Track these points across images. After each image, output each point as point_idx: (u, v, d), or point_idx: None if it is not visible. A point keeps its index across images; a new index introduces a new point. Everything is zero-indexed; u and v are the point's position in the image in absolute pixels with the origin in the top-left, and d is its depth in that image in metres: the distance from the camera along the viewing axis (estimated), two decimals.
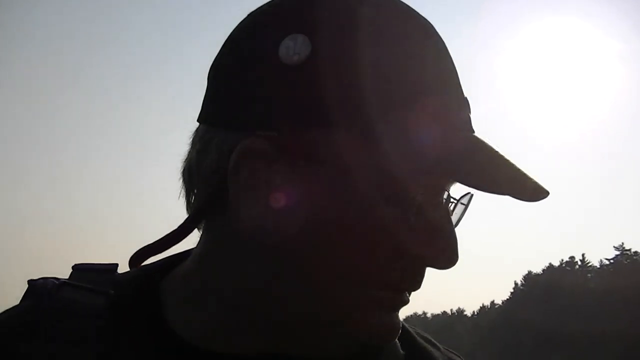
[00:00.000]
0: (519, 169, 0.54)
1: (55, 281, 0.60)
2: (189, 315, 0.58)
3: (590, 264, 58.36)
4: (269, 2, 0.58)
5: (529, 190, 0.53)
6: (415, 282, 0.55)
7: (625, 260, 55.41)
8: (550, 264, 58.91)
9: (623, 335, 45.11)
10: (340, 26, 0.53)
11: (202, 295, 0.58)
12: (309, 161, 0.52)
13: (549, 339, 50.54)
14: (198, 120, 0.58)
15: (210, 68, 0.59)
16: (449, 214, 0.55)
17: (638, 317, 44.62)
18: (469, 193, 0.57)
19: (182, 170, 0.59)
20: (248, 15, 0.58)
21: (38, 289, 0.60)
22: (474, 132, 0.57)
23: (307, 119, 0.51)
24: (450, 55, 0.57)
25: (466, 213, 0.57)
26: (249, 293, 0.55)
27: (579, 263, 58.42)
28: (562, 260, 58.90)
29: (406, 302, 0.56)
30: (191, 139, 0.58)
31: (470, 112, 0.57)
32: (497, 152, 0.54)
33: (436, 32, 0.57)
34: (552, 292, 51.66)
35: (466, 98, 0.57)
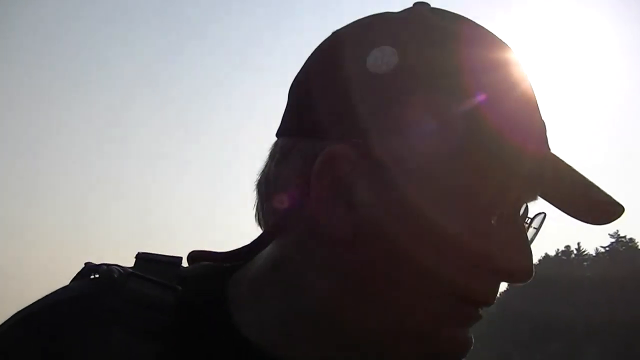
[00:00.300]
0: (599, 191, 0.56)
1: (120, 270, 0.58)
2: (256, 318, 0.57)
3: (586, 253, 58.83)
4: (355, 20, 0.59)
5: (607, 214, 0.56)
6: (491, 296, 0.54)
7: (620, 247, 55.87)
8: (546, 254, 59.40)
9: (620, 323, 45.35)
10: (427, 39, 0.54)
11: (271, 300, 0.57)
12: (393, 168, 0.52)
13: (546, 329, 50.84)
14: (277, 135, 0.59)
15: (293, 84, 0.60)
16: (525, 229, 0.56)
17: (635, 304, 44.87)
18: (543, 213, 0.58)
19: (257, 182, 0.60)
20: (332, 33, 0.59)
21: (104, 276, 0.58)
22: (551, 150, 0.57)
23: (392, 126, 0.52)
24: (529, 80, 0.58)
25: (539, 232, 0.58)
26: (321, 302, 0.55)
27: (575, 252, 58.89)
28: (558, 250, 59.47)
29: (479, 317, 0.55)
30: (269, 152, 0.59)
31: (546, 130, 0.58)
32: (577, 172, 0.56)
33: (517, 55, 0.58)
34: (549, 282, 51.88)
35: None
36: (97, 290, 0.57)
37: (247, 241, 0.59)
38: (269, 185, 0.58)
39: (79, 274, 0.60)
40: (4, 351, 0.54)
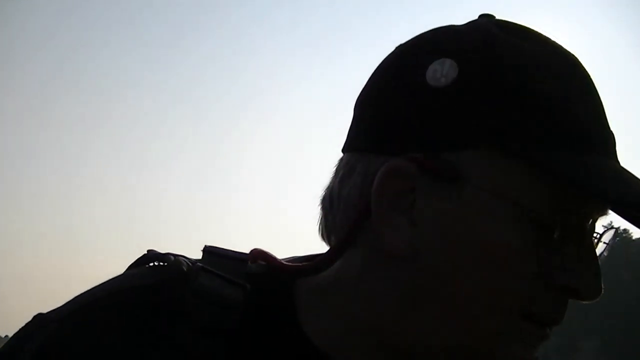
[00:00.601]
0: None
1: (188, 262, 0.57)
2: (319, 324, 0.57)
3: None
4: (416, 35, 0.59)
5: None
6: (557, 315, 0.54)
7: (614, 238, 55.70)
8: None
9: (616, 314, 45.47)
10: (490, 53, 0.53)
11: (334, 310, 0.57)
12: (454, 183, 0.52)
13: None
14: (343, 150, 0.60)
15: (357, 98, 0.60)
16: (594, 245, 0.55)
17: (630, 294, 44.99)
18: (612, 228, 0.58)
19: (322, 197, 0.60)
20: (395, 47, 0.59)
21: (173, 267, 0.57)
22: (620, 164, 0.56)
23: (452, 140, 0.52)
24: (598, 93, 0.56)
25: (607, 248, 0.56)
26: (380, 316, 0.55)
27: None
28: None
29: (546, 337, 0.54)
30: (334, 168, 0.59)
31: (615, 145, 0.57)
32: None
33: (585, 68, 0.57)
34: None
35: (612, 132, 0.57)
36: (165, 281, 0.56)
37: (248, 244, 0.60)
38: (333, 201, 0.58)
39: (140, 260, 0.60)
40: (65, 336, 0.53)
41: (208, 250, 0.60)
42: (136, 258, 0.61)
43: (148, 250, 0.60)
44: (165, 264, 0.58)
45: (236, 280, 0.56)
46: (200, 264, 0.57)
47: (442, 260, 0.52)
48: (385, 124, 0.55)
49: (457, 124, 0.52)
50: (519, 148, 0.51)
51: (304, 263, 0.61)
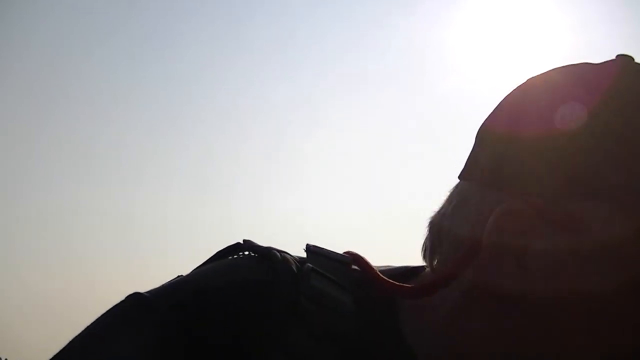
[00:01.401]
0: None
1: (296, 261, 0.56)
2: (419, 343, 0.56)
3: None
4: (548, 70, 0.57)
5: None
6: None
7: None
8: None
9: None
10: (631, 104, 0.52)
11: (433, 334, 0.56)
12: (571, 231, 0.50)
13: None
14: (459, 177, 0.59)
15: (479, 129, 0.59)
16: None
17: None
18: None
19: (431, 220, 0.59)
20: (524, 82, 0.58)
21: (283, 266, 0.55)
22: None
23: (576, 188, 0.51)
24: None
25: None
26: (476, 350, 0.54)
27: None
28: None
29: None
30: (449, 193, 0.59)
31: None
32: None
33: None
34: None
35: None
36: (277, 280, 0.54)
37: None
38: (443, 229, 0.57)
39: (231, 249, 0.58)
40: (186, 319, 0.50)
41: (312, 250, 0.59)
42: (227, 245, 0.59)
43: (244, 240, 0.58)
44: (264, 257, 0.56)
45: (344, 285, 0.55)
46: (310, 265, 0.55)
47: (550, 307, 0.51)
48: (507, 162, 0.53)
49: (584, 172, 0.50)
50: None
51: (403, 284, 0.59)
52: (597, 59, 0.57)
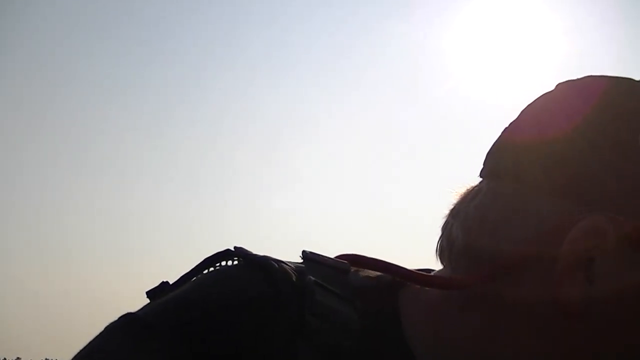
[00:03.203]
0: None
1: (294, 272, 0.53)
2: (433, 351, 0.55)
3: None
4: (628, 96, 0.57)
5: None
6: None
7: None
8: None
9: None
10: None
11: (456, 342, 0.55)
12: (637, 252, 0.51)
13: None
14: (494, 174, 0.58)
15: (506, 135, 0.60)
16: None
17: None
18: None
19: (454, 215, 0.59)
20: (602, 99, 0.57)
21: (285, 281, 0.52)
22: None
23: None
24: None
25: None
26: None
27: None
28: None
29: None
30: (479, 189, 0.58)
31: None
32: None
33: None
34: None
35: None
36: (279, 294, 0.51)
37: None
38: (470, 232, 0.56)
39: (225, 256, 0.56)
40: (196, 339, 0.48)
41: (308, 258, 0.57)
42: (215, 252, 0.56)
43: (235, 247, 0.56)
44: (260, 268, 0.54)
45: (346, 296, 0.54)
46: (312, 278, 0.53)
47: (614, 324, 0.51)
48: (579, 175, 0.53)
49: None
50: None
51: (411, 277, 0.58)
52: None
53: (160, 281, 0.57)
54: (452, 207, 0.60)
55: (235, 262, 0.55)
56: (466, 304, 0.55)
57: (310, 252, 0.57)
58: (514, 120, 0.60)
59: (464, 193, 0.60)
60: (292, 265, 0.55)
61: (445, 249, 0.59)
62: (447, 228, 0.59)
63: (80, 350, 0.50)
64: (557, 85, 0.60)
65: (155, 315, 0.50)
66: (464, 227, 0.57)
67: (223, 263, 0.56)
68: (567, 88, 0.59)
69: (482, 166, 0.61)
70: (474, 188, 0.60)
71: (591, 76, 0.59)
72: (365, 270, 0.59)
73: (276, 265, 0.53)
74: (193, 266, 0.56)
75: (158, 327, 0.49)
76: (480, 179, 0.60)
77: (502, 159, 0.58)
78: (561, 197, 0.53)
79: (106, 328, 0.51)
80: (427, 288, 0.57)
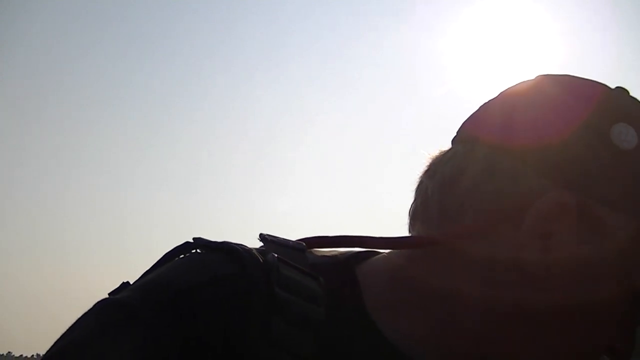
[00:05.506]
0: None
1: (259, 253, 0.55)
2: (395, 319, 0.58)
3: None
4: (606, 93, 0.60)
5: None
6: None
7: None
8: None
9: None
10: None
11: (418, 308, 0.58)
12: (594, 232, 0.55)
13: None
14: (473, 139, 0.61)
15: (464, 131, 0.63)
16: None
17: None
18: None
19: (427, 177, 0.61)
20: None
21: (251, 259, 0.54)
22: None
23: (607, 196, 0.55)
24: None
25: None
26: (487, 328, 0.57)
27: None
28: None
29: None
30: (452, 152, 0.61)
31: None
32: None
33: None
34: None
35: None
36: (247, 271, 0.53)
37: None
38: (450, 189, 0.59)
39: (183, 247, 0.56)
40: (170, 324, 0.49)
41: (268, 239, 0.58)
42: (176, 245, 0.57)
43: (194, 238, 0.57)
44: (225, 251, 0.55)
45: (309, 271, 0.56)
46: (275, 254, 0.55)
47: (563, 289, 0.55)
48: (556, 153, 0.56)
49: (616, 184, 0.56)
50: None
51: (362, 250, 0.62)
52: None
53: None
54: (427, 168, 0.62)
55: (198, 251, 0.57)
56: (433, 262, 0.58)
57: (268, 235, 0.59)
58: (492, 99, 0.63)
59: (438, 155, 0.63)
60: (254, 248, 0.57)
61: (419, 209, 0.62)
62: (421, 189, 0.62)
63: (61, 338, 0.51)
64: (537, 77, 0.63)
65: (133, 298, 0.51)
66: (440, 187, 0.60)
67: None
68: (546, 78, 0.62)
69: (455, 134, 0.64)
70: (448, 151, 0.62)
71: (569, 75, 0.62)
72: (321, 250, 0.62)
73: (239, 247, 0.55)
74: (155, 262, 0.57)
75: (136, 308, 0.49)
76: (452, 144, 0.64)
77: (479, 127, 0.61)
78: (533, 168, 0.56)
79: (84, 314, 0.51)
80: (388, 257, 0.61)
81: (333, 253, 0.63)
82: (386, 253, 0.63)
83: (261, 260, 0.54)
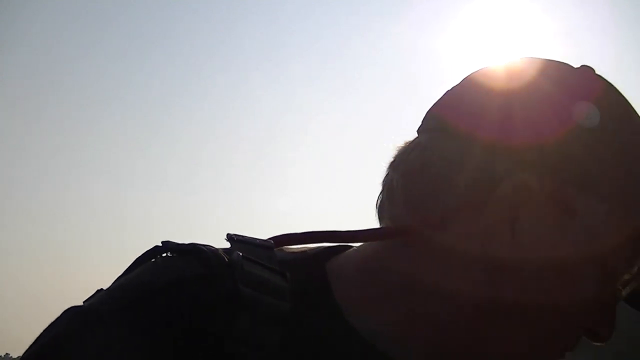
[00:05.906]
0: None
1: (223, 252, 0.56)
2: (365, 311, 0.58)
3: None
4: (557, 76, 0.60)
5: None
6: (575, 346, 0.59)
7: None
8: None
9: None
10: (627, 114, 0.59)
11: (388, 300, 0.58)
12: (562, 214, 0.55)
13: None
14: (442, 129, 0.60)
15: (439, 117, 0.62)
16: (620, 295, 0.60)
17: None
18: None
19: (400, 168, 0.60)
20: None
21: (215, 258, 0.55)
22: None
23: (575, 178, 0.55)
24: None
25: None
26: (453, 316, 0.56)
27: None
28: None
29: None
30: (421, 140, 0.61)
31: None
32: None
33: None
34: None
35: None
36: (213, 271, 0.53)
37: None
38: (411, 182, 0.58)
39: (154, 251, 0.56)
40: (134, 328, 0.50)
41: (235, 239, 0.58)
42: (146, 250, 0.57)
43: (163, 242, 0.57)
44: (191, 253, 0.55)
45: (275, 267, 0.55)
46: (239, 253, 0.55)
47: (537, 275, 0.55)
48: (524, 139, 0.56)
49: (582, 165, 0.55)
50: (629, 205, 0.56)
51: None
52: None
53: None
54: (392, 160, 0.62)
55: (167, 255, 0.57)
56: (402, 254, 0.58)
57: (235, 234, 0.59)
58: (456, 85, 0.63)
59: (403, 146, 0.62)
60: (221, 248, 0.57)
61: (385, 201, 0.61)
62: (387, 181, 0.61)
63: (31, 345, 0.52)
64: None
65: (101, 303, 0.52)
66: (405, 177, 0.59)
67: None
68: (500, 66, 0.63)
69: (420, 124, 0.63)
70: (412, 141, 0.62)
71: (553, 61, 0.62)
72: (292, 247, 0.62)
73: (204, 248, 0.55)
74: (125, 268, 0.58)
75: (101, 312, 0.50)
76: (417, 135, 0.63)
77: (443, 116, 0.61)
78: (501, 155, 0.55)
79: (52, 322, 0.52)
80: (358, 250, 0.61)
81: (303, 249, 0.63)
82: (357, 246, 0.63)
83: (226, 259, 0.54)
